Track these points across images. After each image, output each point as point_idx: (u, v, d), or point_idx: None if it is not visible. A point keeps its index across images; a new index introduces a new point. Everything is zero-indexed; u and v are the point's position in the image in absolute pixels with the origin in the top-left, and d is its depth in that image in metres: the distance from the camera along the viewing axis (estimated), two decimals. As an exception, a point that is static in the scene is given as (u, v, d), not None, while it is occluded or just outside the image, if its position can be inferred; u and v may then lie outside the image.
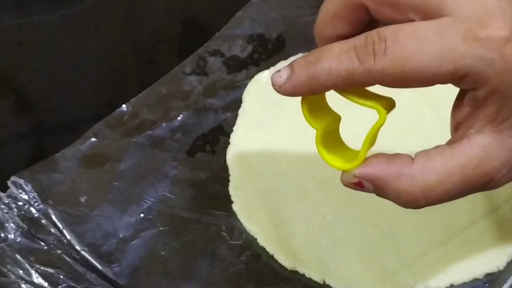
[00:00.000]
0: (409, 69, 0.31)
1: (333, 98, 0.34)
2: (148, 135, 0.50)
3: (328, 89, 0.33)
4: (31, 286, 0.44)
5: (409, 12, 0.32)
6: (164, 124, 0.50)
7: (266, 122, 0.50)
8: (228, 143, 0.50)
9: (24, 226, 0.46)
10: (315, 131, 0.34)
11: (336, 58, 0.32)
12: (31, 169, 0.48)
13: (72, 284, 0.44)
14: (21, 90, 0.54)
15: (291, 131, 0.50)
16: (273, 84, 0.34)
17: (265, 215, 0.47)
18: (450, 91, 0.51)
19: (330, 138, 0.35)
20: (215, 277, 0.45)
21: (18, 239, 0.46)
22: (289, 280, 0.45)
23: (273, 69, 0.52)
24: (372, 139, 0.33)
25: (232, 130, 0.50)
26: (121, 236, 0.46)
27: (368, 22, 0.34)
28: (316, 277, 0.45)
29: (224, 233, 0.46)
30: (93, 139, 0.49)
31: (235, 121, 0.51)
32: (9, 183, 0.47)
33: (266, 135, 0.50)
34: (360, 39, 0.32)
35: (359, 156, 0.33)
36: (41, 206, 0.47)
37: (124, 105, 0.51)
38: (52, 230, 0.46)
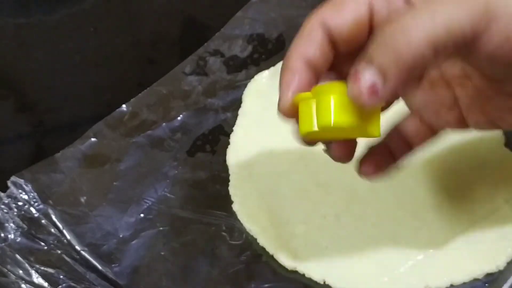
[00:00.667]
0: None
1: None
2: (148, 135, 0.50)
3: None
4: (31, 286, 0.44)
5: None
6: (164, 124, 0.50)
7: (266, 122, 0.50)
8: (228, 143, 0.50)
9: (24, 226, 0.46)
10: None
11: None
12: (31, 169, 0.48)
13: (72, 284, 0.44)
14: (21, 90, 0.54)
15: (291, 131, 0.50)
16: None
17: (265, 215, 0.47)
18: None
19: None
20: (215, 277, 0.45)
21: (18, 239, 0.46)
22: (289, 280, 0.45)
23: (273, 69, 0.52)
24: None
25: (232, 130, 0.50)
26: (121, 236, 0.46)
27: None
28: (316, 277, 0.45)
29: (224, 233, 0.46)
30: (93, 139, 0.49)
31: (235, 121, 0.51)
32: (9, 183, 0.47)
33: (266, 135, 0.50)
34: None
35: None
36: (41, 206, 0.47)
37: (124, 105, 0.51)
38: (52, 230, 0.46)
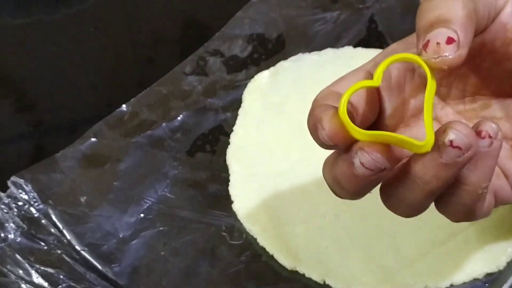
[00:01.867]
0: None
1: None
2: (148, 135, 0.50)
3: None
4: (31, 286, 0.44)
5: None
6: (164, 124, 0.50)
7: (266, 122, 0.50)
8: (228, 143, 0.50)
9: (24, 226, 0.46)
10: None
11: None
12: (31, 169, 0.48)
13: (72, 284, 0.44)
14: (21, 90, 0.54)
15: (291, 131, 0.50)
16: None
17: (265, 215, 0.47)
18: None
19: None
20: (215, 277, 0.45)
21: (18, 239, 0.46)
22: (289, 280, 0.45)
23: (273, 69, 0.52)
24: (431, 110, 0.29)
25: (232, 130, 0.50)
26: (121, 236, 0.46)
27: None
28: (316, 277, 0.45)
29: (224, 233, 0.46)
30: (93, 139, 0.49)
31: (235, 121, 0.51)
32: (9, 183, 0.47)
33: (266, 135, 0.50)
34: None
35: (428, 132, 0.29)
36: (41, 206, 0.47)
37: (124, 105, 0.51)
38: (52, 230, 0.46)
